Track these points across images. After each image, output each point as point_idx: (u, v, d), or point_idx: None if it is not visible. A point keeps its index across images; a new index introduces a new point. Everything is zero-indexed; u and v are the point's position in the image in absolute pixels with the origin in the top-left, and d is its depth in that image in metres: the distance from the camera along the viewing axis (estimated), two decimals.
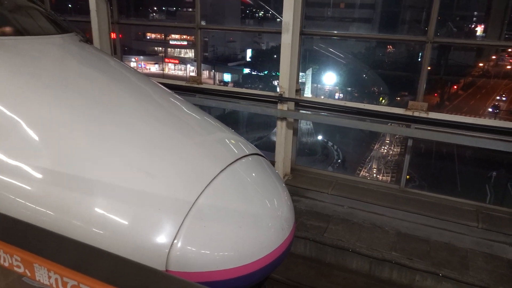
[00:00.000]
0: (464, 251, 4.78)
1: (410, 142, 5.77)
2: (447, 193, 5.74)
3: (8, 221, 1.33)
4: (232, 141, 3.10)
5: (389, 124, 5.85)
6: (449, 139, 5.26)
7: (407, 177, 6.11)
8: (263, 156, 3.18)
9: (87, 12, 7.16)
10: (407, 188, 5.90)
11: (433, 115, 5.30)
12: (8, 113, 2.69)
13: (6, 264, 1.07)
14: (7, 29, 3.40)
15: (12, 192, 2.41)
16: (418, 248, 4.79)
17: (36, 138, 2.62)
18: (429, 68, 5.48)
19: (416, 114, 5.35)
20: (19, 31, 3.45)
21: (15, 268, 1.07)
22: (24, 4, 3.92)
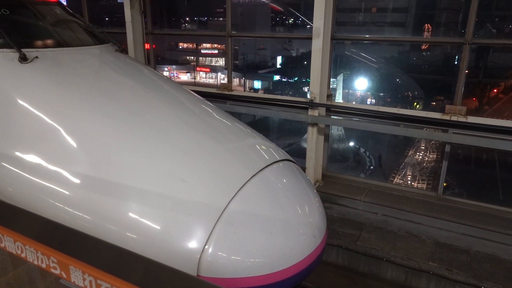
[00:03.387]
0: (509, 263, 4.51)
1: (447, 148, 5.55)
2: (488, 201, 5.46)
3: (46, 224, 1.38)
4: (263, 147, 3.10)
5: (424, 129, 5.66)
6: (490, 144, 5.01)
7: (444, 184, 5.87)
8: (294, 162, 3.15)
9: (122, 24, 7.44)
10: (445, 196, 5.66)
11: (472, 119, 5.08)
12: (48, 121, 2.82)
13: (44, 266, 1.10)
14: (49, 41, 3.59)
15: (51, 196, 2.51)
16: (458, 259, 4.57)
17: (75, 145, 2.73)
18: (466, 71, 5.27)
19: (454, 118, 5.15)
20: (60, 43, 3.63)
21: (52, 270, 1.11)
22: (64, 17, 4.12)
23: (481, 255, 4.65)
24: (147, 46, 7.84)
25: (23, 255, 1.13)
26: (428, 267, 4.46)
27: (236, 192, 2.44)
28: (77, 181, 2.55)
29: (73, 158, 2.65)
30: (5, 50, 3.09)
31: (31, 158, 2.67)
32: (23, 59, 3.07)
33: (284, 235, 2.46)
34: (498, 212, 5.26)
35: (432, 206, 5.43)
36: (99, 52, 3.79)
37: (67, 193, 2.50)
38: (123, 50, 4.19)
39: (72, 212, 2.43)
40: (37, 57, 3.16)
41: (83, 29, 4.08)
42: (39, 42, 3.49)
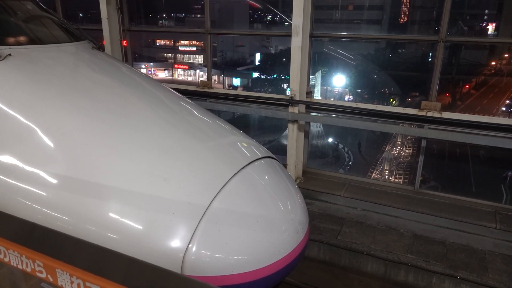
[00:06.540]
0: (483, 252, 4.69)
1: (423, 143, 5.69)
2: (462, 193, 5.65)
3: (27, 226, 1.35)
4: (245, 145, 3.10)
5: (400, 124, 5.79)
6: (464, 138, 5.18)
7: (421, 178, 6.03)
8: (276, 159, 3.17)
9: (98, 21, 7.26)
10: (422, 190, 5.82)
11: (447, 114, 5.23)
12: (23, 120, 2.73)
13: (28, 270, 1.07)
14: (22, 38, 3.47)
15: (29, 198, 2.44)
16: (434, 250, 4.72)
17: (52, 145, 2.66)
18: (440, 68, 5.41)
19: (430, 114, 5.29)
20: (34, 40, 3.51)
21: (38, 274, 1.08)
22: (37, 13, 3.99)
23: (457, 246, 4.82)
24: (124, 43, 7.69)
25: (6, 260, 1.09)
26: (407, 259, 4.58)
27: (219, 190, 2.44)
28: (55, 181, 2.49)
29: (52, 158, 2.58)
30: None
31: (7, 159, 2.58)
32: None
33: (267, 232, 2.48)
34: (471, 204, 5.45)
35: (410, 200, 5.58)
36: (75, 50, 3.70)
37: (45, 194, 2.44)
38: (100, 47, 4.10)
39: (51, 214, 2.37)
40: (10, 54, 3.05)
41: (57, 25, 3.97)
42: (12, 39, 3.37)
